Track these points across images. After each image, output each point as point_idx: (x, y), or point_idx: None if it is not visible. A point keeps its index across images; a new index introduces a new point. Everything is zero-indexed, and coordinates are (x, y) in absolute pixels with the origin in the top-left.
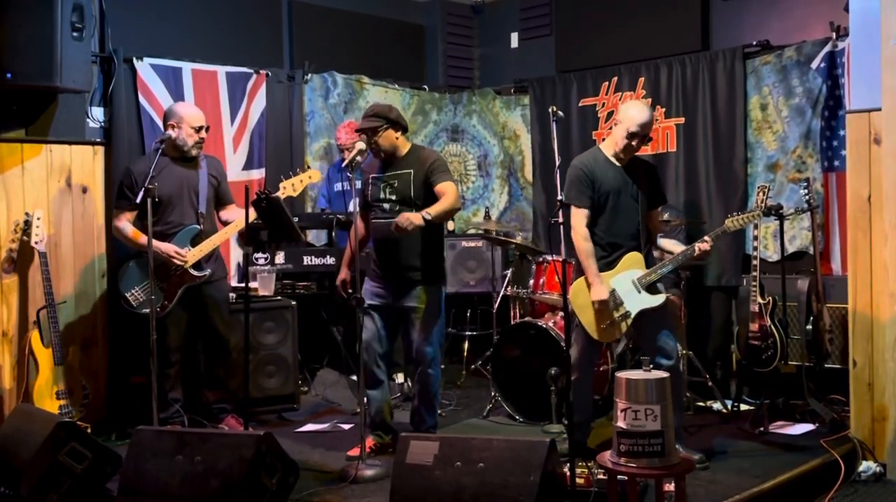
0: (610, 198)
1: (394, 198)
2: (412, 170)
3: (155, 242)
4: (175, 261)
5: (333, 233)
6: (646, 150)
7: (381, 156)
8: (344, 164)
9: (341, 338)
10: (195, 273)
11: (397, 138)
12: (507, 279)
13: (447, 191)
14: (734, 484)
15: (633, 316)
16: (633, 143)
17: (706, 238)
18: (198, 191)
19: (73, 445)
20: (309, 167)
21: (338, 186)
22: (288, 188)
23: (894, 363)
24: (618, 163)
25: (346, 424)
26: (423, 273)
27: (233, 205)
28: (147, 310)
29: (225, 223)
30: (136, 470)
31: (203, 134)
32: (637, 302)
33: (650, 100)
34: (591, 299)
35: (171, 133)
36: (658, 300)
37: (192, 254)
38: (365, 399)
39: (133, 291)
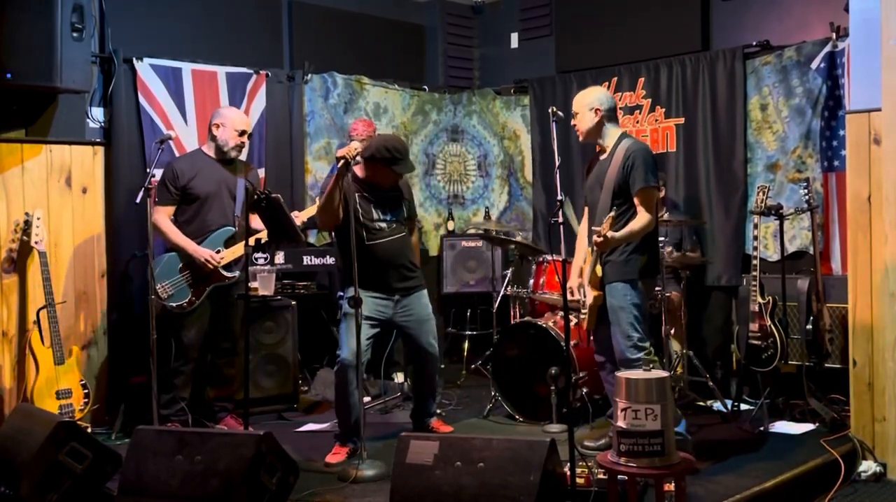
0: (589, 194)
1: (388, 218)
2: (400, 195)
3: (193, 246)
4: (209, 265)
5: (332, 234)
6: None
7: (381, 182)
8: (340, 164)
9: None
10: (226, 274)
11: None
12: (507, 279)
13: (414, 229)
14: (734, 484)
15: (585, 306)
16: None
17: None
18: (234, 193)
19: (73, 445)
20: (312, 172)
21: None
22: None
23: (894, 363)
24: (604, 155)
25: None
26: (417, 279)
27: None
28: (174, 304)
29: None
30: (136, 469)
31: (245, 139)
32: (588, 296)
33: (650, 100)
34: None
35: (215, 132)
36: (589, 297)
37: (226, 255)
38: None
39: (163, 284)
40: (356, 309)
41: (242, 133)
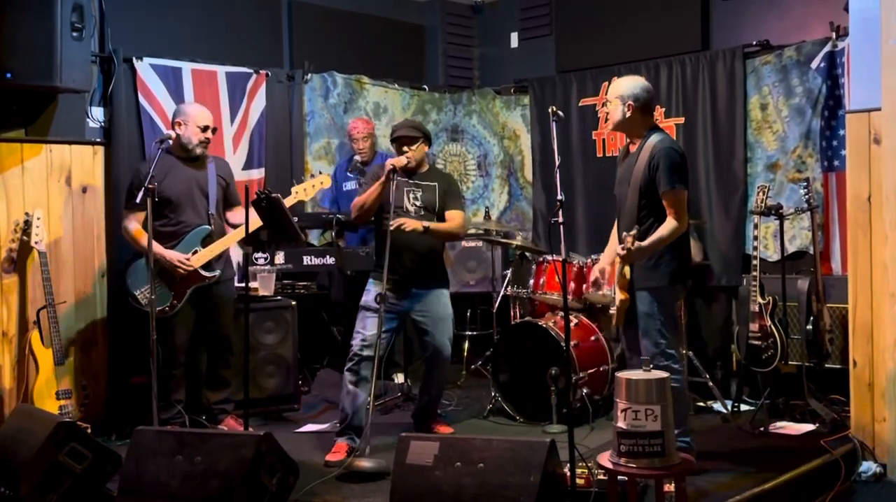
0: (618, 188)
1: (419, 204)
2: (437, 184)
3: (161, 250)
4: (180, 270)
5: (333, 233)
6: None
7: (409, 167)
8: (387, 170)
9: (341, 338)
10: (205, 273)
11: (424, 152)
12: (507, 279)
13: (457, 219)
14: (734, 485)
15: (615, 304)
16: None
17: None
18: (207, 191)
19: (73, 445)
20: (312, 172)
21: (346, 185)
22: (300, 192)
23: (894, 363)
24: (634, 148)
25: None
26: (439, 276)
27: (240, 206)
28: (156, 308)
29: (231, 225)
30: (136, 470)
31: (209, 134)
32: (616, 298)
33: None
34: None
35: (178, 131)
36: (617, 299)
37: (203, 255)
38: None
39: (142, 290)
40: (381, 304)
41: (206, 128)
